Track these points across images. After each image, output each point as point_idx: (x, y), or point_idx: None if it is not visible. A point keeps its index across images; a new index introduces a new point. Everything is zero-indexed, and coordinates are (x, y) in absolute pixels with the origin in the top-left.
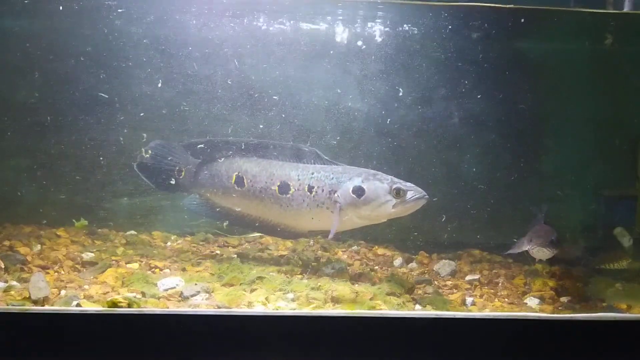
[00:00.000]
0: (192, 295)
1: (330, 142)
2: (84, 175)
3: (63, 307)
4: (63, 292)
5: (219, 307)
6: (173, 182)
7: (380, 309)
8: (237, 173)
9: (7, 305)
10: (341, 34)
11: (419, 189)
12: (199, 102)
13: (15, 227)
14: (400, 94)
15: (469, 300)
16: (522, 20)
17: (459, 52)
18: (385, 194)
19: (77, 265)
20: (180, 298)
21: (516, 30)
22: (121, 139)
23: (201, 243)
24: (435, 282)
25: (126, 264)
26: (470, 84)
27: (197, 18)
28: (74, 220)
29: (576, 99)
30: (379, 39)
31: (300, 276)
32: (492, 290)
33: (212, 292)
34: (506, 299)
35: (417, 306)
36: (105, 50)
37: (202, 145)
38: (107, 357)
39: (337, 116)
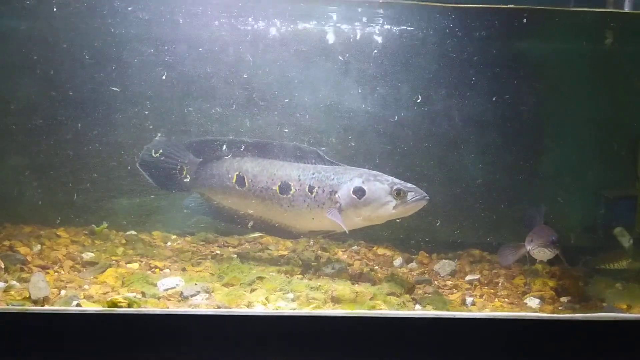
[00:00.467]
0: (192, 295)
1: (335, 144)
2: (84, 175)
3: (63, 307)
4: (63, 292)
5: (219, 307)
6: (175, 180)
7: (380, 309)
8: (238, 173)
9: (7, 305)
10: (342, 34)
11: (420, 190)
12: (200, 102)
13: (15, 227)
14: (400, 94)
15: (469, 300)
16: (522, 20)
17: (459, 52)
18: (386, 195)
19: (77, 265)
20: (180, 298)
21: (516, 30)
22: (121, 138)
23: (201, 243)
24: (435, 282)
25: (126, 264)
26: (470, 84)
27: (205, 18)
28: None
29: (576, 99)
30: (378, 39)
31: (300, 276)
32: (492, 290)
33: (212, 292)
34: (506, 299)
35: (417, 306)
36: (105, 51)
37: (203, 145)
38: (107, 357)
39: (346, 116)
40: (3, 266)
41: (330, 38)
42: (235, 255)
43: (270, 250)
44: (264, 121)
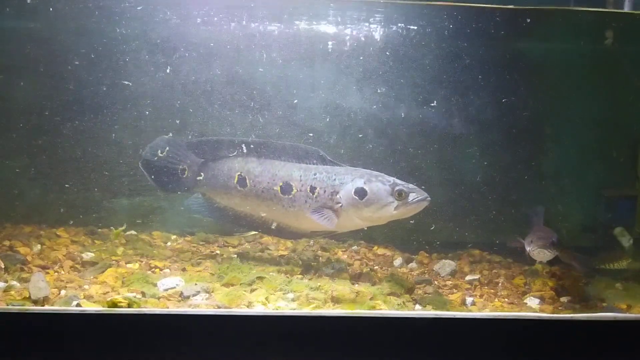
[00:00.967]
0: (192, 295)
1: (335, 144)
2: (84, 175)
3: (63, 307)
4: (63, 292)
5: (219, 307)
6: (176, 181)
7: (380, 309)
8: (239, 173)
9: (7, 305)
10: (342, 34)
11: (422, 190)
12: (201, 101)
13: (15, 227)
14: (400, 94)
15: (469, 300)
16: (522, 20)
17: (457, 52)
18: (387, 196)
19: (77, 265)
20: (180, 298)
21: (516, 30)
22: (122, 138)
23: (201, 243)
24: (435, 282)
25: (126, 264)
26: (469, 85)
27: (209, 18)
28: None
29: (576, 99)
30: (377, 39)
31: (300, 276)
32: (492, 290)
33: (212, 292)
34: (506, 299)
35: (417, 306)
36: (105, 50)
37: (205, 145)
38: (107, 357)
39: (348, 116)
40: (3, 266)
41: (340, 38)
42: (235, 255)
43: (270, 250)
44: (266, 121)
